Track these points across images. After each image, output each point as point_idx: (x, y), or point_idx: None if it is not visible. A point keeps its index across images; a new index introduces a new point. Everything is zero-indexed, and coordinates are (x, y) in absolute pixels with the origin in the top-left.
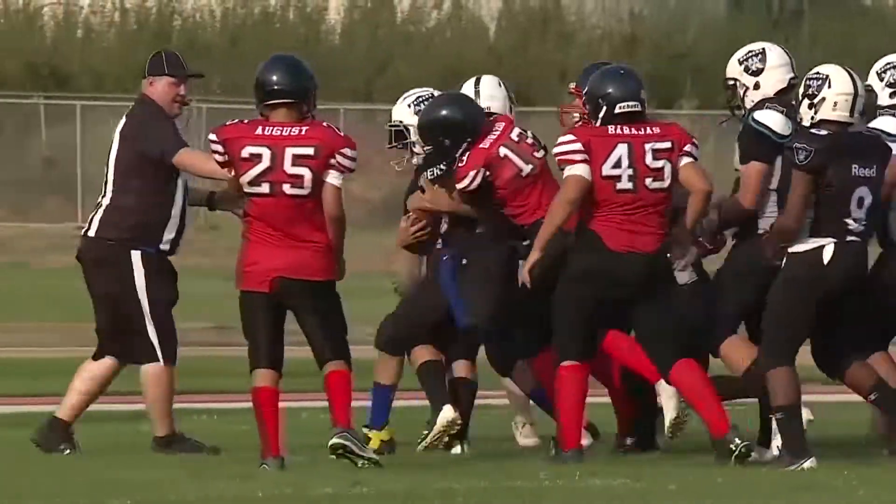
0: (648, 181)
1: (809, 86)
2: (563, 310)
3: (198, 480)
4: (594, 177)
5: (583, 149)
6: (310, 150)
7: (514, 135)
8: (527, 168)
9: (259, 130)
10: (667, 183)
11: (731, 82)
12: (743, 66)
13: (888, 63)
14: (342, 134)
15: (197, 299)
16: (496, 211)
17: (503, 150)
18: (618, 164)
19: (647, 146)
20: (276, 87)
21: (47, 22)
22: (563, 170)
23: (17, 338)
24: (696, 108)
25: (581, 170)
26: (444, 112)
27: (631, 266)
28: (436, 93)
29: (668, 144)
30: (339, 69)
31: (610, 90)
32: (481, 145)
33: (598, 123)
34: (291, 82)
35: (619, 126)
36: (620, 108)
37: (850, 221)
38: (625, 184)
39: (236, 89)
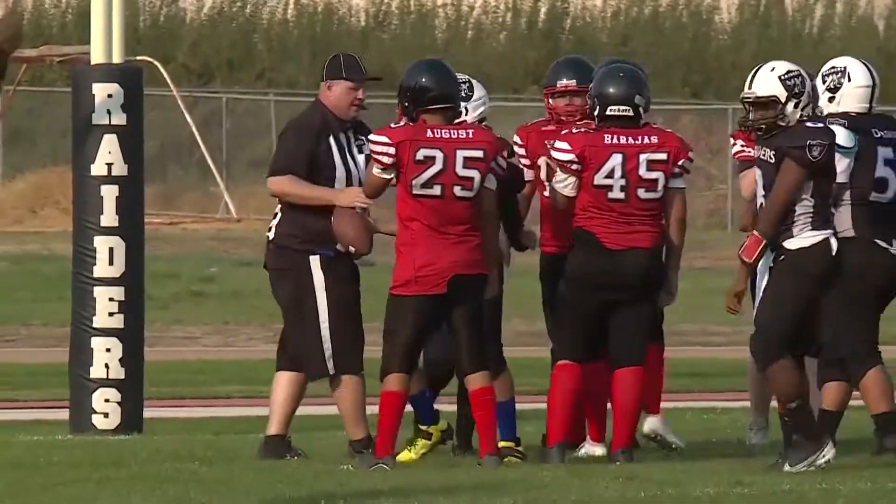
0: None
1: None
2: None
3: (580, 480)
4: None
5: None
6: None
7: None
8: None
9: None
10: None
11: None
12: None
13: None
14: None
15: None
16: None
17: None
18: (611, 175)
19: (643, 157)
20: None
21: (439, 24)
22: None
23: None
24: None
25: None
26: None
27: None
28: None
29: (663, 156)
30: (727, 68)
31: (604, 90)
32: None
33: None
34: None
35: (614, 135)
36: (612, 110)
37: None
38: (617, 193)
39: None
